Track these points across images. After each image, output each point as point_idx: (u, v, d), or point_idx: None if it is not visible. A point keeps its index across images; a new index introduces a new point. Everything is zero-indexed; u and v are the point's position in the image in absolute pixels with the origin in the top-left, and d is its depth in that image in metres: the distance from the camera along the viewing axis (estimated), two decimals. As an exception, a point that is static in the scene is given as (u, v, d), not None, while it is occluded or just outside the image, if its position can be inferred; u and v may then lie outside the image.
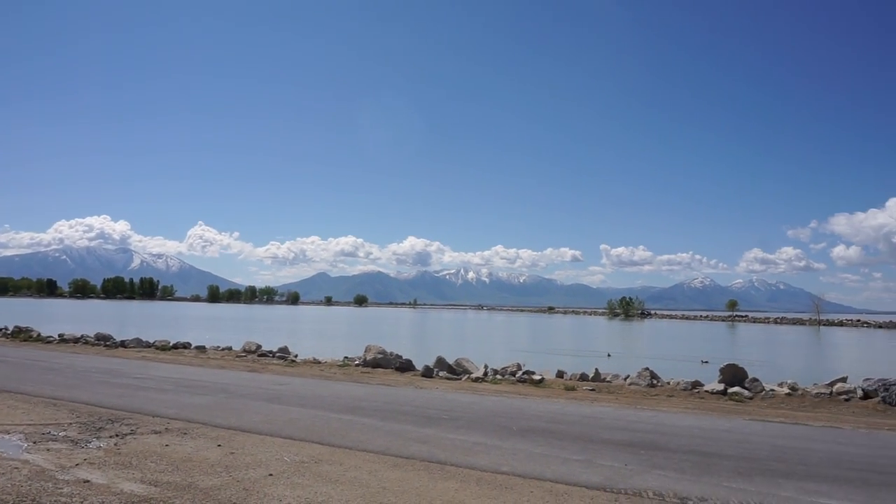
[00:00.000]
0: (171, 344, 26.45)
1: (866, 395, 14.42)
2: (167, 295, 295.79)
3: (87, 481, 6.69)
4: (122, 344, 26.54)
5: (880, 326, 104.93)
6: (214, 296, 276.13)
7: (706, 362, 30.77)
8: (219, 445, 8.58)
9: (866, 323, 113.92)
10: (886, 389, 14.03)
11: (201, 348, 25.86)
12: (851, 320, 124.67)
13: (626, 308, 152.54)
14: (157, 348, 25.63)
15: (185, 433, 9.37)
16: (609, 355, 33.33)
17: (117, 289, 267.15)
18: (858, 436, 10.74)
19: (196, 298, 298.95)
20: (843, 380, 15.59)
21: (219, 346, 26.64)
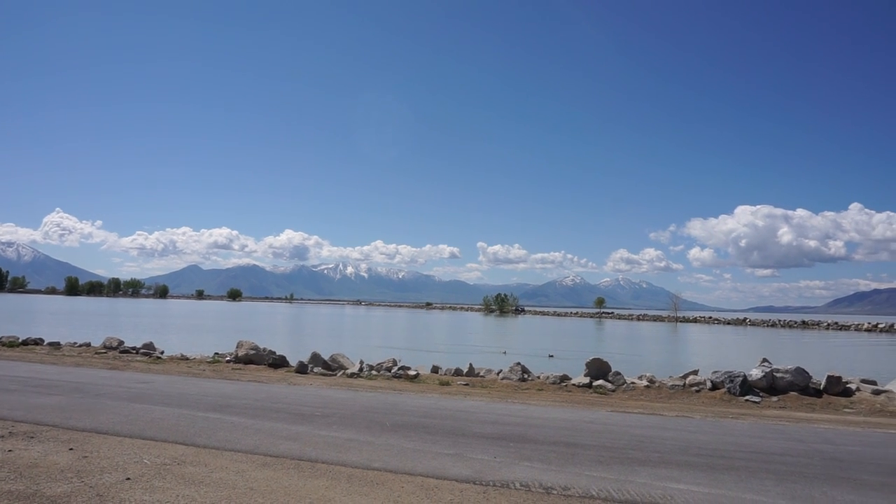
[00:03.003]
0: (19, 340, 24.36)
1: (714, 387, 15.63)
2: (18, 287, 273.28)
3: (-88, 493, 6.03)
4: (-38, 340, 24.16)
5: (728, 323, 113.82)
6: (73, 288, 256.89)
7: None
8: (71, 449, 7.98)
9: (717, 320, 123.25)
10: (731, 381, 15.28)
11: (55, 345, 23.99)
12: (704, 317, 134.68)
13: (502, 304, 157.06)
14: (4, 345, 23.49)
15: (33, 437, 8.63)
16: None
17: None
18: (706, 424, 11.59)
19: (52, 291, 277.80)
20: (695, 372, 16.81)
21: (76, 343, 24.84)
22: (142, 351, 22.30)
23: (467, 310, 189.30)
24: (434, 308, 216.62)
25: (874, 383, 15.87)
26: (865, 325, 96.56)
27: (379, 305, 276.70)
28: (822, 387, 15.27)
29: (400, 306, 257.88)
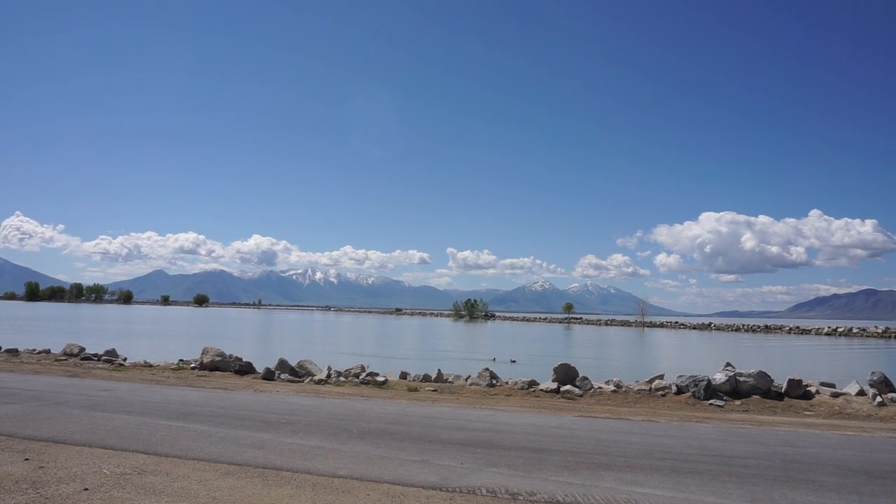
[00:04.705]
0: (-25, 347, 23.69)
1: (679, 391, 15.83)
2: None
3: None
4: (-86, 348, 23.41)
5: (694, 328, 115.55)
6: (33, 294, 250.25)
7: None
8: (26, 459, 7.77)
9: (682, 325, 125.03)
10: (696, 385, 15.49)
11: (13, 352, 23.38)
12: (670, 322, 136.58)
13: (471, 310, 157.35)
14: (-41, 352, 22.85)
15: (-13, 447, 8.39)
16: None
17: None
18: (671, 428, 11.73)
19: (11, 296, 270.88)
20: (661, 377, 17.00)
21: (34, 350, 24.21)
22: (104, 358, 21.83)
23: (437, 315, 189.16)
24: (404, 314, 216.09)
25: (833, 386, 16.23)
26: (825, 329, 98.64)
27: (348, 311, 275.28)
28: (783, 390, 15.56)
29: (369, 312, 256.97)
